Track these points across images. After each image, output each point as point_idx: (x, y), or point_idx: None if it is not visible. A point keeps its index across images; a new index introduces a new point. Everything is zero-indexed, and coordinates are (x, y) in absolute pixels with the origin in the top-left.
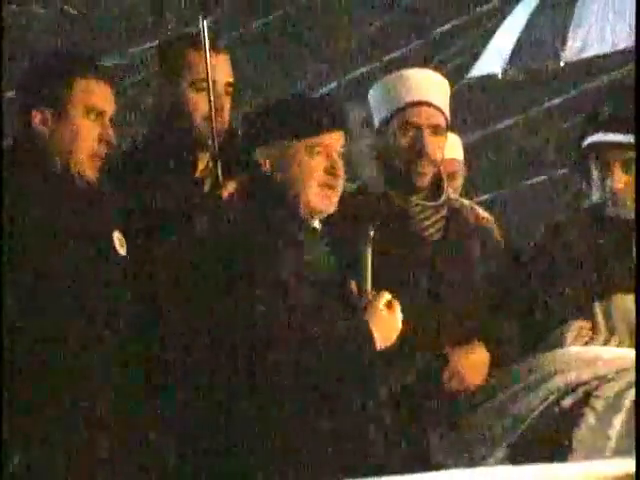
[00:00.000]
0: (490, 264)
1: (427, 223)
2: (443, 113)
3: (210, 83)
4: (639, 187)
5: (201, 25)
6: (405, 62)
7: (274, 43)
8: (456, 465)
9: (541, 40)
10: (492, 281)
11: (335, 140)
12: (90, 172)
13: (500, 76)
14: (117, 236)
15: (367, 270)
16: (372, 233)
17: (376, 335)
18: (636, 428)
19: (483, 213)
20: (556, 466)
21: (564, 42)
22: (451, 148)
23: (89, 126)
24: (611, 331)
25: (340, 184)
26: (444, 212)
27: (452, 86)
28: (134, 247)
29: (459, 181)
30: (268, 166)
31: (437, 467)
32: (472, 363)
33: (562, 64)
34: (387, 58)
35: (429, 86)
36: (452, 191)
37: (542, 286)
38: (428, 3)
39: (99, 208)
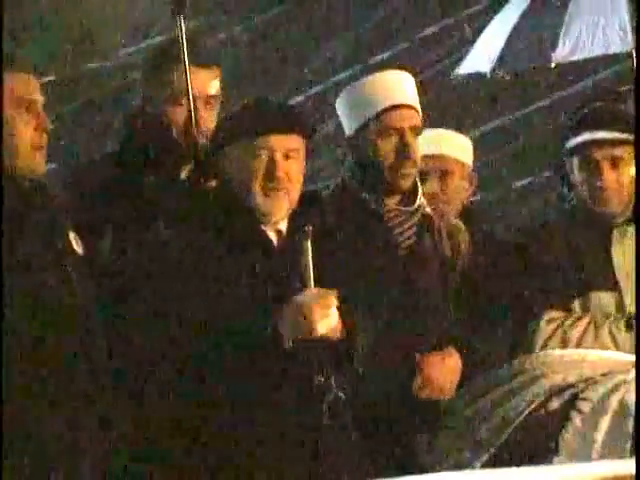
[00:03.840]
0: (462, 269)
1: (400, 229)
2: (418, 112)
3: (191, 97)
4: (639, 187)
5: (180, 38)
6: (390, 65)
7: (258, 46)
8: (442, 468)
9: (531, 41)
10: (464, 285)
11: (279, 141)
12: (36, 165)
13: (489, 75)
14: (73, 236)
15: (308, 266)
16: (310, 229)
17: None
18: (636, 428)
19: (453, 219)
20: (542, 469)
21: (555, 44)
22: (457, 148)
23: (24, 118)
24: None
25: (288, 187)
26: (417, 217)
27: (438, 87)
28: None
29: (457, 182)
30: (228, 168)
31: (423, 470)
32: (443, 370)
33: (552, 65)
34: (372, 61)
35: (402, 87)
36: (427, 197)
37: (521, 287)
38: (413, 5)
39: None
